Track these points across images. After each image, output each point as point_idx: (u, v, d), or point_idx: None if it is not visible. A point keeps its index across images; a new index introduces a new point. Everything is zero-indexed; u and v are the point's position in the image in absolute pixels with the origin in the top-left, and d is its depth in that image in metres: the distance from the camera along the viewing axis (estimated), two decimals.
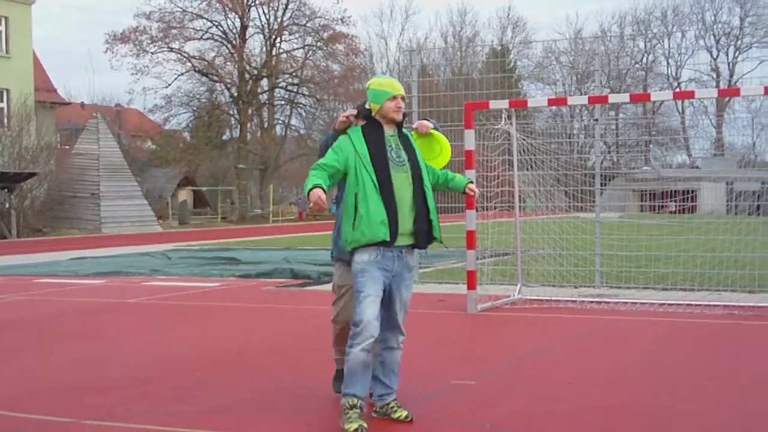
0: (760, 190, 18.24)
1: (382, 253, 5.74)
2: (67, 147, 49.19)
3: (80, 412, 6.47)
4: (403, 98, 5.93)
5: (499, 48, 68.48)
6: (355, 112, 6.09)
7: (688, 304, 11.87)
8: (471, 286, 11.65)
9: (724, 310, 11.49)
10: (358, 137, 5.89)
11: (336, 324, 6.57)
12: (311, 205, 5.61)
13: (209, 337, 10.27)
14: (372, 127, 5.94)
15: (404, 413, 5.85)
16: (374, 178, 5.73)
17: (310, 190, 5.61)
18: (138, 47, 55.73)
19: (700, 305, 11.82)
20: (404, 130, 6.09)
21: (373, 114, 5.96)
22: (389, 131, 5.96)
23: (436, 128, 6.61)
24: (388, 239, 5.67)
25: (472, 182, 6.34)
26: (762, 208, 16.66)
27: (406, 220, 5.77)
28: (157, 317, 12.09)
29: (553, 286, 13.96)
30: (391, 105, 5.88)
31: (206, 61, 58.46)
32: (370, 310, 5.66)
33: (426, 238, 5.88)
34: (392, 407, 5.90)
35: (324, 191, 5.62)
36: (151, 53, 56.24)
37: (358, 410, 5.66)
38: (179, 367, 8.22)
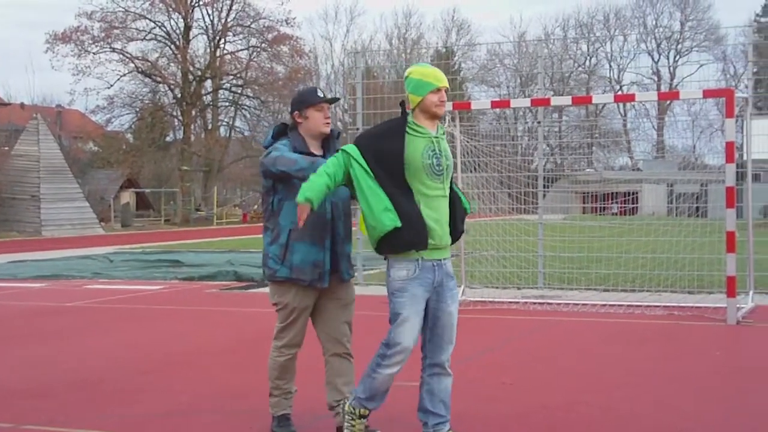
0: (700, 192, 18.51)
1: (420, 265, 5.10)
2: (6, 148, 48.37)
3: (19, 417, 6.36)
4: (447, 91, 5.27)
5: (444, 50, 68.73)
6: None
7: (628, 305, 12.03)
8: None
9: (665, 310, 11.65)
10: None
11: (284, 352, 5.69)
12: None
13: (151, 340, 10.18)
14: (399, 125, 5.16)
15: None
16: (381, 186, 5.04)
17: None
18: (79, 47, 55.10)
19: (640, 306, 11.98)
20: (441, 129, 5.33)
21: (411, 107, 5.22)
22: (431, 131, 5.20)
23: None
24: (398, 224, 4.96)
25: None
26: (701, 210, 16.90)
27: (445, 234, 5.17)
28: (99, 320, 11.94)
29: (497, 287, 14.06)
30: (433, 98, 5.16)
31: (149, 61, 57.96)
32: (409, 336, 5.11)
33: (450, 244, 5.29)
34: None
35: (312, 207, 5.04)
36: (93, 53, 55.67)
37: (364, 422, 5.28)
38: (121, 371, 8.14)
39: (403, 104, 5.27)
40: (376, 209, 5.01)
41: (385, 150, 5.07)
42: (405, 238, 5.00)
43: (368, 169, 5.05)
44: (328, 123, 5.64)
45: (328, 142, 5.68)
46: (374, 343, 5.48)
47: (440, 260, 5.18)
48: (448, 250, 5.24)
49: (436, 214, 5.11)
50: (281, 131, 5.71)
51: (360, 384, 5.29)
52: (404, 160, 5.05)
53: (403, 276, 5.11)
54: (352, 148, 5.13)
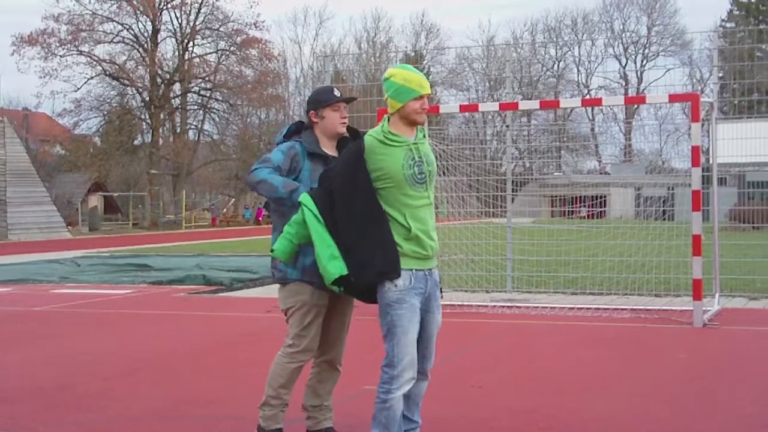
0: (667, 196, 18.66)
1: (414, 275, 4.91)
2: None
3: None
4: (429, 97, 5.04)
5: (413, 54, 68.93)
6: None
7: (596, 308, 12.10)
8: None
9: (632, 313, 11.73)
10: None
11: (298, 359, 5.48)
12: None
13: (119, 345, 10.12)
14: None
15: None
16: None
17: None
18: (46, 50, 54.72)
19: (608, 309, 12.05)
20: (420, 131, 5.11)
21: (389, 112, 5.00)
22: (409, 137, 4.98)
23: None
24: (344, 273, 4.90)
25: None
26: (668, 213, 17.04)
27: (434, 243, 5.01)
28: (66, 325, 11.86)
29: (466, 291, 14.09)
30: (415, 106, 4.93)
31: (117, 64, 57.66)
32: (412, 348, 4.92)
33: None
34: None
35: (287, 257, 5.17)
36: (60, 56, 55.33)
37: None
38: (89, 376, 8.08)
39: (351, 129, 5.25)
40: (323, 257, 4.92)
41: (348, 174, 4.93)
42: (377, 267, 4.86)
43: (317, 214, 4.96)
44: (344, 123, 5.51)
45: (345, 143, 5.49)
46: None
47: (430, 269, 5.03)
48: (435, 260, 5.08)
49: (422, 225, 4.94)
50: (295, 130, 5.58)
51: (374, 428, 4.99)
52: (371, 178, 4.90)
53: (401, 285, 4.88)
54: (305, 198, 5.05)
